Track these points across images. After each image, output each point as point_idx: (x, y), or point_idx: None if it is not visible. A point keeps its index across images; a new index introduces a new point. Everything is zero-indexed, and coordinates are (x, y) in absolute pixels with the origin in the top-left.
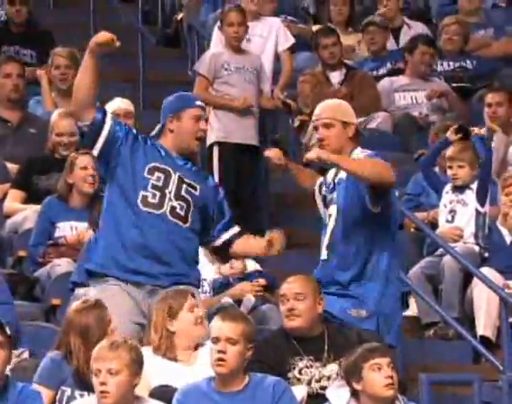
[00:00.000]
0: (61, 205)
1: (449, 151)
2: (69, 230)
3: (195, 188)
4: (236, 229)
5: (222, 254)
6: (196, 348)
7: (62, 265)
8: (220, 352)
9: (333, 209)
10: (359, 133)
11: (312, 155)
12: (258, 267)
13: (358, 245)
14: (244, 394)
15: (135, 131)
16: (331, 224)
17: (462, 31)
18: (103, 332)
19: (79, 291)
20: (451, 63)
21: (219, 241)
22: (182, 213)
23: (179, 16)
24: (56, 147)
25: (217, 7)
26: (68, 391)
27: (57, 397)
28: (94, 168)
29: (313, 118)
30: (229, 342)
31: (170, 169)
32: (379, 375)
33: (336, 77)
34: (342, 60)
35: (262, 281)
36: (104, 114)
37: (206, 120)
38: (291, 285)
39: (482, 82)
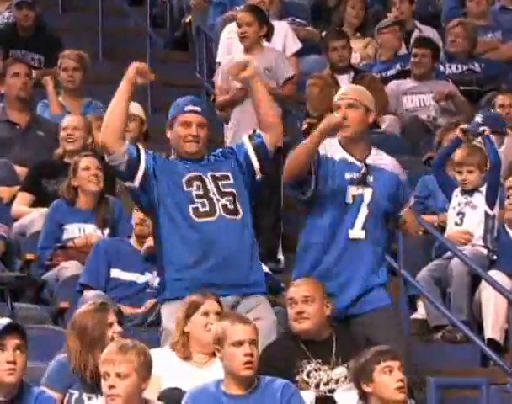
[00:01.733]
0: (69, 208)
1: (457, 156)
2: (77, 232)
3: (228, 177)
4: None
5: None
6: (214, 354)
7: (70, 268)
8: (247, 355)
9: (366, 191)
10: (374, 124)
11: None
12: (265, 269)
13: (382, 235)
14: (253, 396)
15: (153, 152)
16: (365, 207)
17: (467, 34)
18: (100, 334)
19: (87, 294)
20: (459, 66)
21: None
22: (232, 207)
23: (187, 19)
24: (63, 144)
25: (225, 9)
26: (76, 394)
27: (65, 400)
28: (98, 168)
29: (338, 97)
30: (253, 344)
31: (201, 174)
32: (390, 378)
33: (344, 79)
34: (350, 63)
35: None
36: (137, 147)
37: (201, 126)
38: (299, 288)
39: (491, 85)
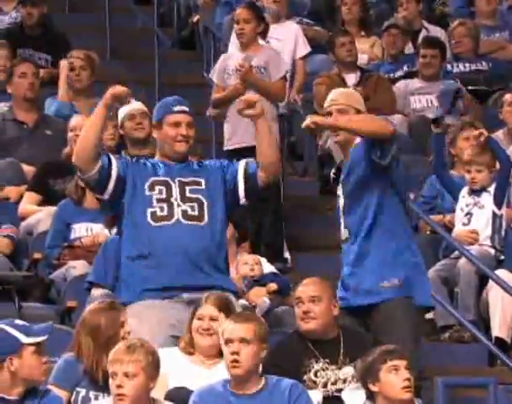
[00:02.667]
0: (76, 207)
1: (466, 155)
2: (84, 231)
3: (200, 183)
4: (242, 161)
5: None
6: (221, 354)
7: (78, 267)
8: (234, 353)
9: (339, 188)
10: None
11: (307, 122)
12: (273, 269)
13: (367, 205)
14: (260, 396)
15: (125, 158)
16: (341, 201)
17: (469, 34)
18: (113, 333)
19: (95, 292)
20: (467, 65)
21: (239, 179)
22: (195, 213)
23: (195, 18)
24: (71, 144)
25: (232, 9)
26: (83, 392)
27: (72, 398)
28: None
29: (327, 104)
30: (242, 342)
31: (168, 179)
32: (396, 377)
33: (351, 79)
34: (357, 63)
35: (273, 286)
36: (108, 156)
37: (190, 126)
38: (306, 288)
39: (498, 85)
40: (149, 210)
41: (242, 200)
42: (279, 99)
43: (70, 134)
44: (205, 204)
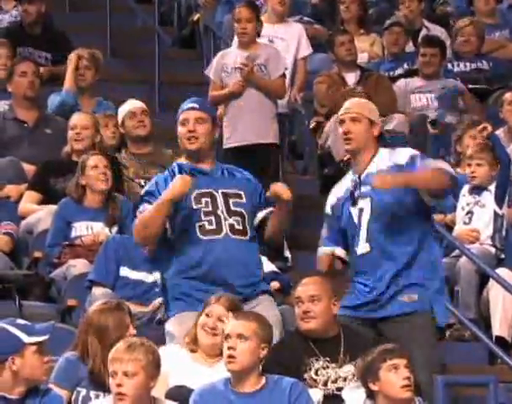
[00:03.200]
0: (77, 206)
1: (469, 151)
2: (85, 229)
3: (241, 197)
4: (271, 208)
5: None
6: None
7: (78, 266)
8: (230, 348)
9: (364, 202)
10: (382, 135)
11: (377, 183)
12: (274, 268)
13: (409, 234)
14: (261, 395)
15: (164, 177)
16: (365, 217)
17: (477, 33)
18: (120, 334)
19: (96, 291)
20: (468, 64)
21: (256, 220)
22: (240, 227)
23: (195, 17)
24: (71, 143)
25: (233, 8)
26: (84, 392)
27: (73, 398)
28: (106, 166)
29: (341, 112)
30: (240, 338)
31: (212, 190)
32: (396, 376)
33: (351, 77)
34: (357, 62)
35: (275, 284)
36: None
37: (199, 121)
38: (306, 288)
39: (499, 84)
40: (197, 225)
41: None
42: (279, 96)
43: (70, 132)
44: (246, 218)
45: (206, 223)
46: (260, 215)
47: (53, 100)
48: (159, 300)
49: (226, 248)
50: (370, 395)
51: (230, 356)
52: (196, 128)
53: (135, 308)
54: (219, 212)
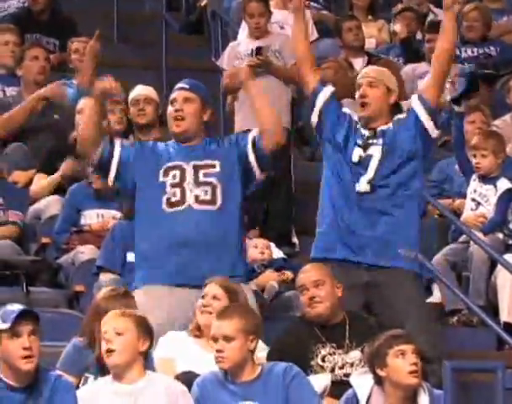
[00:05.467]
0: (88, 192)
1: (473, 140)
2: (95, 217)
3: (214, 166)
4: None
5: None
6: None
7: (86, 252)
8: (218, 351)
9: (374, 150)
10: (398, 106)
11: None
12: (281, 254)
13: (406, 179)
14: (257, 383)
15: (138, 144)
16: (374, 163)
17: (483, 17)
18: None
19: (103, 277)
20: (475, 50)
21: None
22: (208, 197)
23: (203, 3)
24: (78, 127)
25: None
26: (91, 378)
27: (80, 384)
28: None
29: (360, 76)
30: (226, 339)
31: (182, 163)
32: (403, 362)
33: (359, 63)
34: (364, 47)
35: (289, 274)
36: (111, 143)
37: (187, 101)
38: (309, 274)
39: (506, 69)
40: (164, 197)
41: (257, 173)
42: (295, 82)
43: (78, 116)
44: (219, 187)
45: (171, 196)
46: (248, 146)
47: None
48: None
49: (189, 219)
50: (378, 381)
51: (219, 357)
52: (183, 107)
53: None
54: (185, 184)
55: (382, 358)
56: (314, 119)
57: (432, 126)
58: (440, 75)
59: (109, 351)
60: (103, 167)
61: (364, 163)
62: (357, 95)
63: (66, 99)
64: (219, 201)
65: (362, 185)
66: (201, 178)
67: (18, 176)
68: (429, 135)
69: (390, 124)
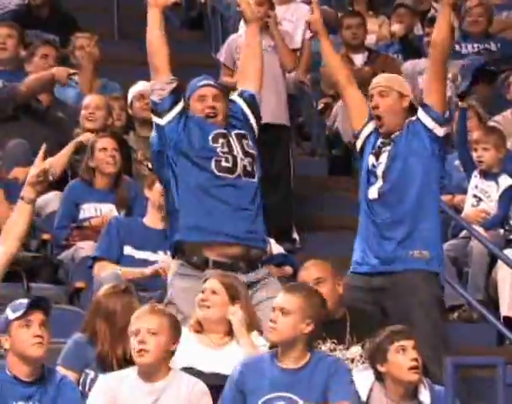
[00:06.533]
0: (86, 187)
1: (475, 134)
2: (93, 211)
3: (248, 138)
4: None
5: None
6: (230, 334)
7: (86, 248)
8: (271, 321)
9: (384, 157)
10: (414, 108)
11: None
12: (281, 250)
13: (417, 186)
14: (303, 372)
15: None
16: (381, 169)
17: (486, 13)
18: (129, 318)
19: (104, 274)
20: (475, 45)
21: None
22: (250, 169)
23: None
24: (84, 122)
25: None
26: (92, 374)
27: (81, 380)
28: (115, 149)
29: (370, 86)
30: (282, 312)
31: (225, 131)
32: (404, 358)
33: (359, 59)
34: (364, 43)
35: (288, 269)
36: (179, 93)
37: (217, 98)
38: (310, 271)
39: (507, 65)
40: (214, 159)
41: (256, 130)
42: (287, 65)
43: (83, 112)
44: (255, 159)
45: (223, 160)
46: (245, 108)
47: (68, 93)
48: (160, 264)
49: (236, 188)
50: (379, 376)
51: (271, 327)
52: (215, 105)
53: (134, 273)
54: (235, 153)
55: (383, 353)
56: (442, 133)
57: (440, 129)
58: (437, 73)
59: (142, 351)
60: (163, 104)
61: (374, 171)
62: (370, 105)
63: (66, 84)
64: (256, 175)
65: (372, 193)
66: (246, 148)
67: (19, 172)
68: (438, 137)
69: (403, 131)
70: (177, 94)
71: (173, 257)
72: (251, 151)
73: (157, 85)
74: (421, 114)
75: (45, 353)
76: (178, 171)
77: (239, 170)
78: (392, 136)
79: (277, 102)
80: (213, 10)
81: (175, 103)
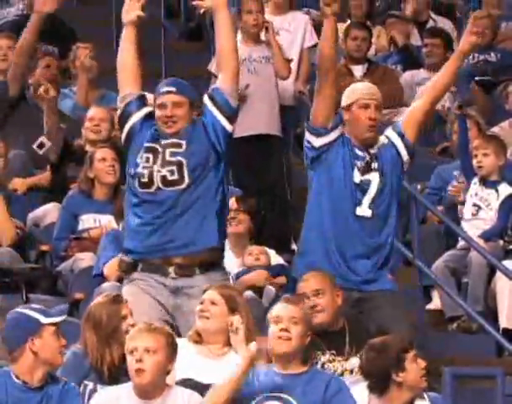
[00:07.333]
0: (84, 198)
1: (475, 142)
2: (92, 222)
3: (180, 145)
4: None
5: None
6: (228, 344)
7: (85, 259)
8: (283, 330)
9: (374, 176)
10: None
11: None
12: (281, 261)
13: (395, 210)
14: (300, 378)
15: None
16: (373, 189)
17: (492, 25)
18: (115, 326)
19: (104, 284)
20: (476, 55)
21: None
22: (175, 177)
23: (202, 10)
24: (87, 133)
25: (240, 0)
26: (90, 385)
27: (80, 391)
28: (114, 159)
29: (367, 96)
30: (292, 321)
31: (157, 146)
32: (417, 366)
33: (359, 70)
34: (366, 56)
35: (282, 279)
36: (143, 102)
37: (177, 105)
38: (309, 283)
39: (505, 75)
40: (136, 179)
41: (229, 128)
42: (282, 74)
43: (87, 123)
44: (186, 165)
45: (141, 177)
46: (214, 111)
47: (63, 98)
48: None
49: (160, 201)
50: (374, 388)
51: (280, 337)
52: (174, 112)
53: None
54: (155, 166)
55: (401, 363)
56: (317, 144)
57: (407, 160)
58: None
59: (140, 370)
60: (121, 118)
61: (364, 187)
62: (365, 115)
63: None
64: (187, 179)
65: (363, 210)
66: (168, 158)
67: (17, 183)
68: (403, 170)
69: (376, 149)
70: (143, 100)
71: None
72: (174, 158)
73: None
74: (396, 139)
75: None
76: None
77: (156, 184)
78: (372, 151)
79: (270, 112)
80: (211, 21)
81: (140, 107)
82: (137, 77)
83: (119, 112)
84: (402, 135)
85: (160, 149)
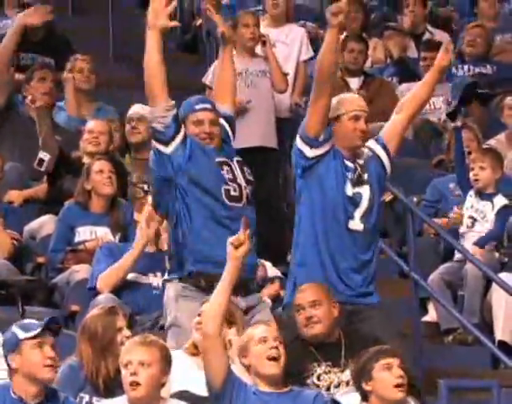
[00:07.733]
0: (81, 210)
1: (472, 155)
2: (89, 234)
3: (245, 165)
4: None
5: None
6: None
7: (81, 271)
8: (273, 348)
9: (365, 189)
10: None
11: None
12: (278, 273)
13: (378, 224)
14: (287, 396)
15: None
16: (364, 202)
17: (485, 35)
18: (110, 338)
19: (99, 297)
20: (472, 68)
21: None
22: (251, 197)
23: (198, 22)
24: (86, 146)
25: (235, 13)
26: (86, 398)
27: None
28: (111, 171)
29: (358, 107)
30: (279, 341)
31: (227, 159)
32: (389, 375)
33: (355, 82)
34: (362, 69)
35: (276, 285)
36: (177, 120)
37: (213, 123)
38: (305, 294)
39: (502, 88)
40: (223, 188)
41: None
42: (279, 87)
43: (86, 135)
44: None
45: (231, 189)
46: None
47: (57, 111)
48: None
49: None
50: (364, 397)
51: (273, 357)
52: (212, 130)
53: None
54: (239, 180)
55: (368, 371)
56: (310, 154)
57: (389, 173)
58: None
59: (134, 384)
60: (168, 131)
61: (356, 200)
62: (355, 126)
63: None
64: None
65: (355, 224)
66: (247, 176)
67: (13, 195)
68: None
69: (363, 161)
70: (178, 121)
71: (169, 279)
72: (251, 178)
73: (156, 112)
74: (381, 152)
75: (54, 375)
76: (189, 200)
77: (244, 199)
78: (360, 162)
79: (266, 125)
80: (208, 33)
81: (178, 130)
82: (166, 82)
83: (165, 121)
84: (385, 148)
85: (234, 165)
